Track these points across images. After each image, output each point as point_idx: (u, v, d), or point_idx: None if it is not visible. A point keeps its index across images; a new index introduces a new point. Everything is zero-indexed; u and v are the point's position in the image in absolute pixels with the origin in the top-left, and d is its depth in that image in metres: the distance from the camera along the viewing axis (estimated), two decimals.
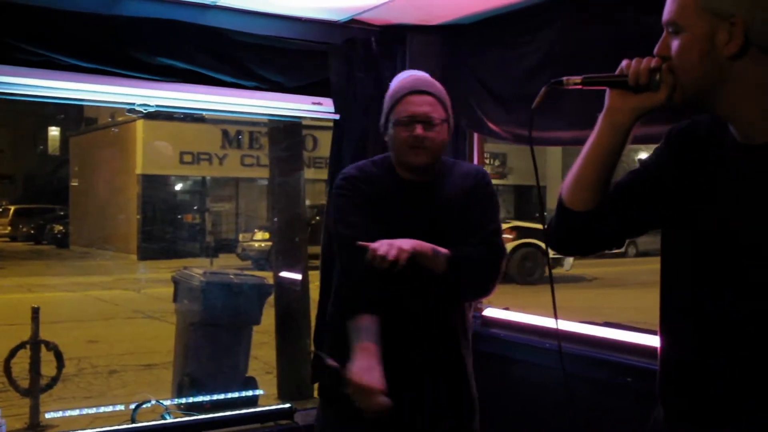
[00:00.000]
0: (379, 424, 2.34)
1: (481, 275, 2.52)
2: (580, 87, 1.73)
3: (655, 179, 1.78)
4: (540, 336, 3.71)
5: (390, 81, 4.09)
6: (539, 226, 18.45)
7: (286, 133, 6.04)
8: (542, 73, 3.54)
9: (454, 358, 2.60)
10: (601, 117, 1.72)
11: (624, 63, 1.68)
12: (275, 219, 6.39)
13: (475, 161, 4.34)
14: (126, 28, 3.38)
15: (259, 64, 3.74)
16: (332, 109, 4.01)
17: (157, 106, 3.64)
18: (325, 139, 22.89)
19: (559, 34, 3.44)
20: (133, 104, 3.60)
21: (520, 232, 18.47)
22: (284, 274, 6.43)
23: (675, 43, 1.62)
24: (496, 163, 31.11)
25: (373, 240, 2.32)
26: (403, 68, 4.08)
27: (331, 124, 3.97)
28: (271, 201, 7.22)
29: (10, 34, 3.17)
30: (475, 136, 4.33)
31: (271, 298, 6.16)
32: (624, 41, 3.03)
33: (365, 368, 2.20)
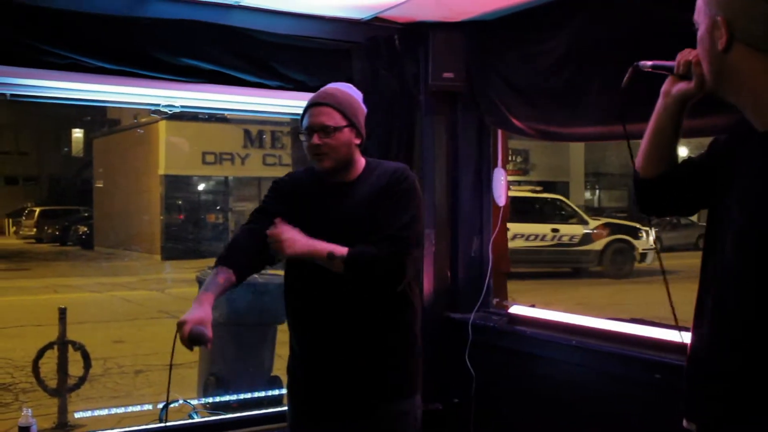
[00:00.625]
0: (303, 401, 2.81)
1: (380, 270, 2.64)
2: (650, 71, 1.93)
3: (710, 163, 1.93)
4: (565, 333, 3.70)
5: (414, 78, 4.10)
6: (630, 223, 18.87)
7: None
8: (566, 68, 3.52)
9: (371, 339, 2.74)
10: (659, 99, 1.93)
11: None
12: None
13: (500, 158, 4.34)
14: (151, 30, 3.41)
15: (282, 63, 3.76)
16: None
17: (182, 106, 3.67)
18: None
19: (583, 29, 3.42)
20: (159, 105, 3.63)
21: (612, 228, 18.53)
22: None
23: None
24: (519, 159, 30.99)
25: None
26: (426, 66, 4.09)
27: None
28: None
29: (37, 38, 3.21)
30: (500, 132, 4.32)
31: None
32: (646, 35, 3.02)
33: (191, 310, 2.50)
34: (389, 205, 2.68)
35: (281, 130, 25.42)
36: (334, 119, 2.71)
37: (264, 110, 4.10)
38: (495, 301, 4.37)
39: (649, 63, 1.92)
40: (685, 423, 1.85)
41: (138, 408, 4.92)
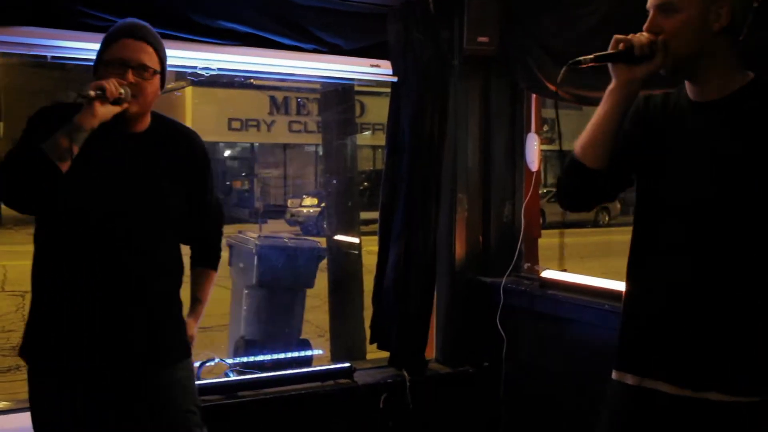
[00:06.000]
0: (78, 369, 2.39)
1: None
2: (594, 64, 2.00)
3: (630, 138, 2.10)
4: (598, 297, 3.70)
5: (448, 43, 4.08)
6: None
7: (341, 97, 6.04)
8: (601, 33, 3.47)
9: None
10: (613, 88, 2.01)
11: (619, 39, 1.99)
12: (333, 182, 6.40)
13: (533, 123, 4.36)
14: None
15: (318, 26, 3.77)
16: (390, 71, 4.02)
17: (219, 69, 3.68)
18: (373, 105, 22.76)
19: None
20: (196, 68, 3.64)
21: None
22: (338, 238, 6.46)
23: (670, 21, 1.96)
24: (545, 128, 30.80)
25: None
26: (461, 30, 4.08)
27: (379, 89, 3.98)
28: (325, 165, 7.21)
29: (77, 0, 3.23)
30: (533, 97, 4.32)
31: (323, 262, 6.19)
32: None
33: None
34: (207, 188, 2.68)
35: (306, 96, 25.38)
36: (153, 61, 2.41)
37: (298, 74, 4.11)
38: (526, 265, 4.39)
39: (591, 56, 1.99)
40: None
41: None
